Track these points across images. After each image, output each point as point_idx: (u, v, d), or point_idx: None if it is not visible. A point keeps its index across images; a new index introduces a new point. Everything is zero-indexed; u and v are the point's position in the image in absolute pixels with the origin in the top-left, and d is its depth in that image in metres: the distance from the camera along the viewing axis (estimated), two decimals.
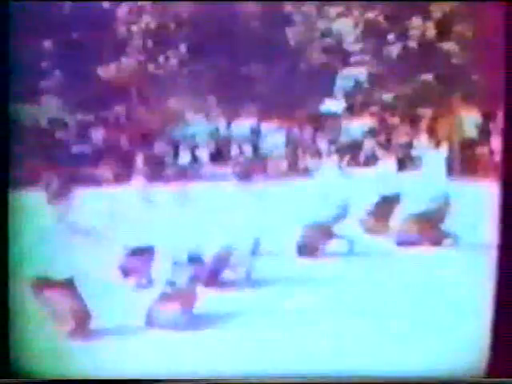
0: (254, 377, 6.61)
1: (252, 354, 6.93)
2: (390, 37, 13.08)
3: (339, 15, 13.42)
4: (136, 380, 6.60)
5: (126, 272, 8.64)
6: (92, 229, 8.83)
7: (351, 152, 12.52)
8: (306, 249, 9.52)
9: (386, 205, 10.15)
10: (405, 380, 6.56)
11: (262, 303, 8.05)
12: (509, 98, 6.87)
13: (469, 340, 6.73)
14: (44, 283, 7.19)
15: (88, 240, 8.17)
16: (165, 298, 7.69)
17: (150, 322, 7.58)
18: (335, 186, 10.97)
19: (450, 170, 11.82)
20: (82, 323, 7.32)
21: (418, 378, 6.58)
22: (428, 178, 11.40)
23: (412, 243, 9.64)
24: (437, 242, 9.73)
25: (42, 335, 6.95)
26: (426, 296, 7.82)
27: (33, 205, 8.07)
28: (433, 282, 8.21)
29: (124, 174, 11.60)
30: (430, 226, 9.77)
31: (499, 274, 6.50)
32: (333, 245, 9.54)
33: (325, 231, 9.59)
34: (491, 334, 6.52)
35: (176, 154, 12.46)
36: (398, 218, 9.99)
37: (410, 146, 12.53)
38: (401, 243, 9.71)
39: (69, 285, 7.28)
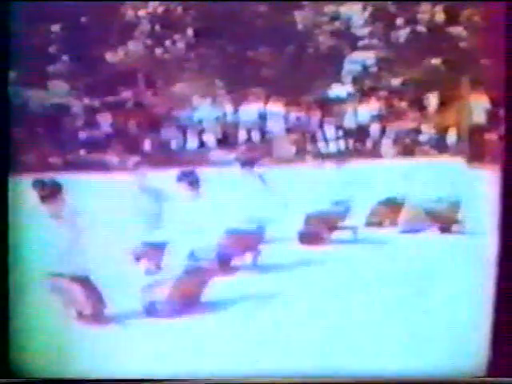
0: (255, 375, 6.62)
1: (255, 341, 6.94)
2: (399, 21, 13.00)
3: None
4: (136, 380, 6.61)
5: (137, 258, 8.68)
6: (99, 216, 8.81)
7: (358, 137, 12.48)
8: (311, 236, 9.52)
9: (392, 201, 10.11)
10: (404, 380, 6.55)
11: (267, 289, 8.06)
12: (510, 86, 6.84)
13: (469, 340, 6.70)
14: (55, 276, 7.21)
15: (95, 228, 8.14)
16: (172, 284, 7.70)
17: (154, 309, 7.61)
18: (342, 173, 10.93)
19: (459, 156, 11.77)
20: (97, 310, 7.37)
21: (418, 378, 6.57)
22: (435, 164, 11.36)
23: (417, 231, 9.65)
24: (444, 229, 9.72)
25: (43, 334, 6.96)
26: (427, 288, 7.80)
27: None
28: (436, 271, 8.19)
29: (131, 159, 11.60)
30: (438, 218, 9.75)
31: (500, 264, 6.47)
32: (337, 233, 9.57)
33: (329, 221, 9.60)
34: (491, 333, 6.50)
35: (184, 139, 12.46)
36: (405, 213, 9.98)
37: (417, 131, 12.49)
38: (406, 232, 9.70)
39: (81, 276, 7.30)
